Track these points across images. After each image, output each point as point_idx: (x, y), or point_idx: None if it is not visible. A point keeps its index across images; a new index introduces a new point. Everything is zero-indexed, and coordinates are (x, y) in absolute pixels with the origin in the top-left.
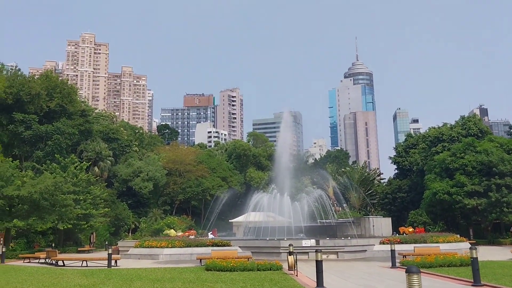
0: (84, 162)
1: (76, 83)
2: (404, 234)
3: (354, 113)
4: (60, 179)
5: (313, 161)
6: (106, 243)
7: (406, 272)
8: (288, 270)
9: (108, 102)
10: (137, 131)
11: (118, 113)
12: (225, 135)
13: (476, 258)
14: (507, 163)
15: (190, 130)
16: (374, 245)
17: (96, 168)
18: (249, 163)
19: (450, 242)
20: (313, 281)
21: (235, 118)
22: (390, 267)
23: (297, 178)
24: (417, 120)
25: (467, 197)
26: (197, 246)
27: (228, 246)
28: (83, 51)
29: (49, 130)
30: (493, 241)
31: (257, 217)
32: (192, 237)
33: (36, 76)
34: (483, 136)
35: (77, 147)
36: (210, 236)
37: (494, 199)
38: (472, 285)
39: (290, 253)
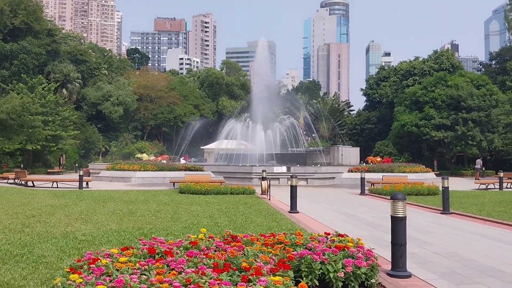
0: (52, 84)
1: (42, 1)
2: (372, 164)
3: (328, 44)
4: (27, 99)
5: (285, 91)
6: (76, 165)
7: (391, 198)
8: (261, 194)
9: (75, 22)
10: (106, 53)
11: (86, 35)
12: (197, 62)
13: (447, 187)
14: (475, 98)
15: (161, 56)
16: (342, 173)
17: (64, 91)
18: (221, 91)
19: (417, 172)
20: (286, 205)
21: (207, 45)
22: (360, 194)
23: (269, 108)
24: (389, 53)
25: (434, 129)
26: (170, 170)
27: (201, 171)
28: None
29: (14, 48)
30: (455, 172)
31: (229, 145)
32: (164, 161)
33: None
34: (454, 71)
35: (44, 68)
36: (182, 161)
37: (460, 132)
38: (441, 213)
39: (263, 179)
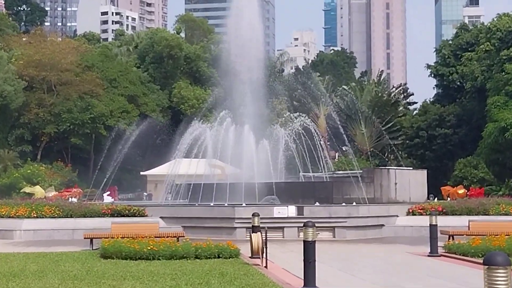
0: None
1: None
2: (450, 199)
3: None
4: None
5: (293, 70)
6: None
7: (484, 263)
8: (251, 257)
9: None
10: None
11: None
12: (133, 20)
13: None
14: None
15: (68, 9)
16: (397, 216)
17: None
18: (178, 71)
19: None
20: (296, 278)
21: None
22: (428, 255)
23: (264, 100)
24: (477, 1)
25: None
26: (84, 215)
27: (142, 216)
28: None
29: None
30: None
31: (193, 168)
32: (74, 199)
33: None
34: None
35: None
36: (107, 198)
37: None
38: None
39: (254, 229)
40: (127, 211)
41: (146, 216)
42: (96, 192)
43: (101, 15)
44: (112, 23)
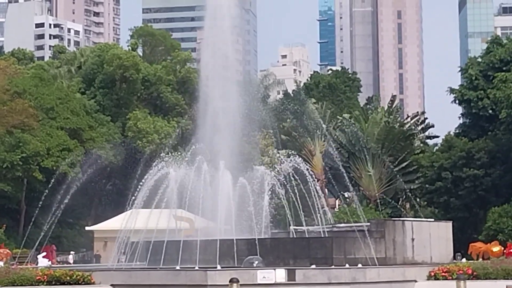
0: None
1: None
2: (481, 259)
3: None
4: None
5: (280, 95)
6: None
7: None
8: None
9: None
10: None
11: None
12: (77, 33)
13: None
14: None
15: None
16: (415, 281)
17: None
18: (134, 97)
19: None
20: None
21: None
22: None
23: (245, 134)
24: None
25: None
26: (13, 284)
27: (88, 283)
28: None
29: None
30: None
31: (153, 221)
32: (0, 263)
33: None
34: None
35: None
36: (43, 261)
37: None
38: None
39: None
40: (68, 278)
41: (93, 283)
42: (29, 253)
43: (36, 27)
44: (50, 38)
